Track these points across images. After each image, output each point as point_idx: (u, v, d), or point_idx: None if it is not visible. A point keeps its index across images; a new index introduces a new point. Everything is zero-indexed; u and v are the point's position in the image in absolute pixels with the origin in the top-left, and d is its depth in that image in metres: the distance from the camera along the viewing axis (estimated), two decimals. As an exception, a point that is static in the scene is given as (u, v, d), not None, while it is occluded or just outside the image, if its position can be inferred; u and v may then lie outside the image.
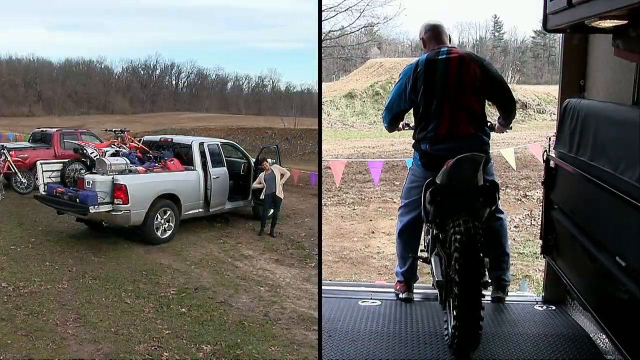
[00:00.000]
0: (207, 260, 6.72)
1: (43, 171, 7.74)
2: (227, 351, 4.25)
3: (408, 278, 3.96)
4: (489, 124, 3.70)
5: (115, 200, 7.03)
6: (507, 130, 3.94)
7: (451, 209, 3.13)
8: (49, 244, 7.18)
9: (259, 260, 6.87)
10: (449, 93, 3.47)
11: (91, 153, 7.88)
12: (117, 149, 8.24)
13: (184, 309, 5.08)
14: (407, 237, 3.91)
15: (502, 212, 3.84)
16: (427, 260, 3.74)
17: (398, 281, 4.05)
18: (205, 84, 38.65)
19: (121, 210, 7.03)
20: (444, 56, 3.52)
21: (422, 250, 3.88)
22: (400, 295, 3.98)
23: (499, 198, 3.28)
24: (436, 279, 3.31)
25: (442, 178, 3.20)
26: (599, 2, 2.32)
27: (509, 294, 4.11)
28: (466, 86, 3.47)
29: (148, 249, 7.09)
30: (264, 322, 4.86)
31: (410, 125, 3.84)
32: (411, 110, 3.74)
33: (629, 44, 2.59)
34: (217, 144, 8.61)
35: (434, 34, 3.69)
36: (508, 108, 3.74)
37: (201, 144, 8.43)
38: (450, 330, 3.11)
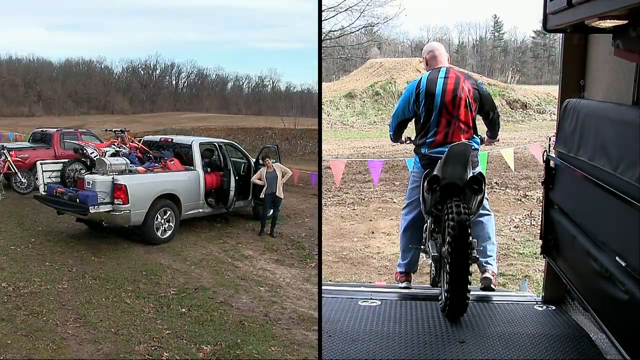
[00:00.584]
0: (207, 261, 6.73)
1: (43, 171, 7.72)
2: (227, 351, 4.26)
3: (408, 269, 4.47)
4: (479, 135, 4.27)
5: (115, 200, 7.02)
6: (494, 142, 4.55)
7: (445, 196, 3.67)
8: (49, 244, 7.19)
9: (259, 261, 6.87)
10: (446, 107, 4.05)
11: (91, 153, 7.88)
12: (117, 149, 8.23)
13: (184, 309, 5.09)
14: (411, 232, 4.39)
15: (489, 211, 4.33)
16: (426, 251, 4.17)
17: (399, 272, 4.52)
18: (205, 84, 38.71)
19: (121, 211, 7.03)
20: (443, 75, 4.11)
21: (422, 245, 4.30)
22: (400, 285, 4.43)
23: (485, 187, 3.80)
24: (432, 254, 3.86)
25: (439, 168, 3.75)
26: (599, 2, 2.32)
27: (509, 294, 4.16)
28: (460, 102, 4.05)
29: (148, 249, 7.10)
30: (264, 322, 4.87)
31: (412, 139, 4.37)
32: (412, 123, 4.30)
33: (629, 44, 2.59)
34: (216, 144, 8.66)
35: (435, 55, 4.28)
36: (494, 121, 4.35)
37: (218, 144, 8.66)
38: (443, 296, 3.66)
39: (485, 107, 4.20)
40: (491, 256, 4.21)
